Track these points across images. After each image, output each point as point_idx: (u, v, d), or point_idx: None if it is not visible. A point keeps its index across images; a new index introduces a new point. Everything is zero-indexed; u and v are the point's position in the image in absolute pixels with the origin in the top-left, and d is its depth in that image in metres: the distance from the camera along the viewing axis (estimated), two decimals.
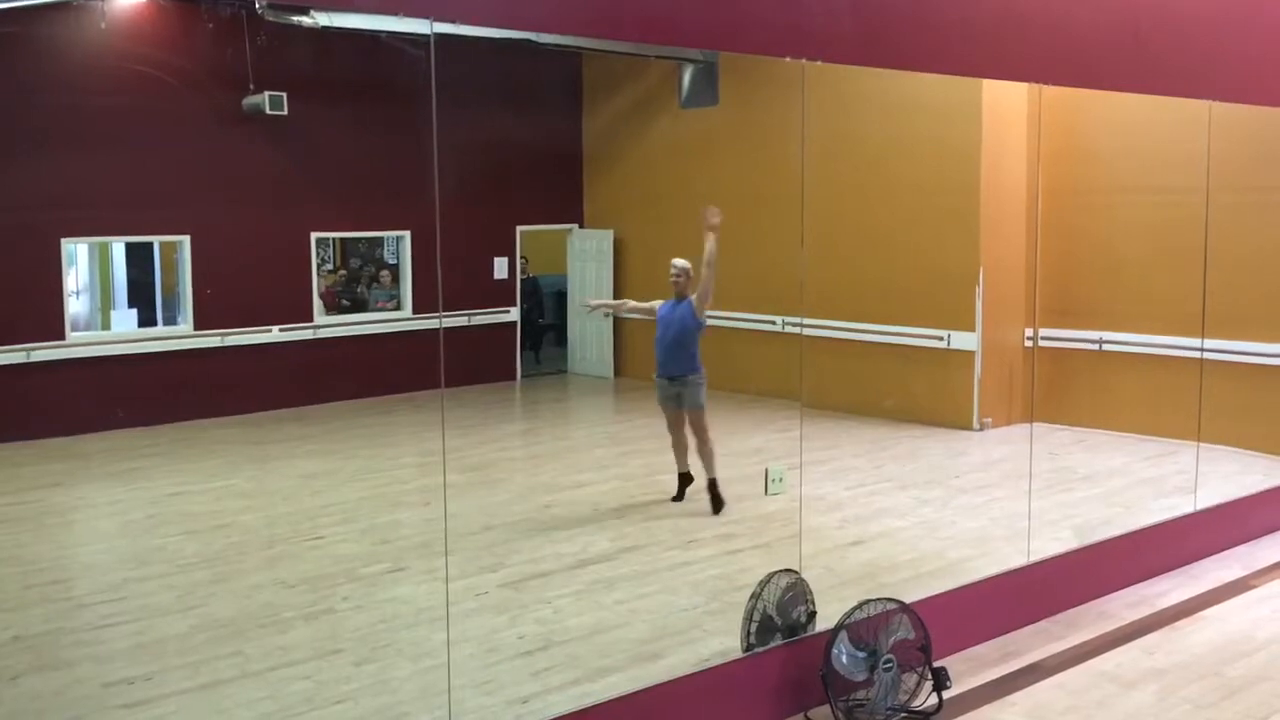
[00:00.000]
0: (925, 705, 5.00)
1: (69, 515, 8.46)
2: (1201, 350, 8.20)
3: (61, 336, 10.58)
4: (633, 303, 8.68)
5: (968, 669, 5.42)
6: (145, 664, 5.41)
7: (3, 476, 9.06)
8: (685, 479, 8.00)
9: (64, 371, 10.49)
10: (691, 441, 7.84)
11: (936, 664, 5.08)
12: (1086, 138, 10.27)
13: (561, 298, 14.75)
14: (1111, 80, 6.90)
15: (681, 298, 7.74)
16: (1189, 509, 7.31)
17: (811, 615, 5.16)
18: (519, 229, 13.53)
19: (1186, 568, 6.97)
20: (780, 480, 5.87)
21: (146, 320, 12.80)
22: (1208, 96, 7.33)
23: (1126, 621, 6.14)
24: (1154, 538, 6.92)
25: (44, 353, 10.41)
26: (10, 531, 7.71)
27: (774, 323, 11.59)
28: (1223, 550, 7.28)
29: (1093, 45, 6.55)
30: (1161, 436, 9.59)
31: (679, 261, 7.82)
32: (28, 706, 5.03)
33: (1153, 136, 9.78)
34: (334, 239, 13.79)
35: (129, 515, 8.25)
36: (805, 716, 4.95)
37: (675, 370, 7.75)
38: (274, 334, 11.70)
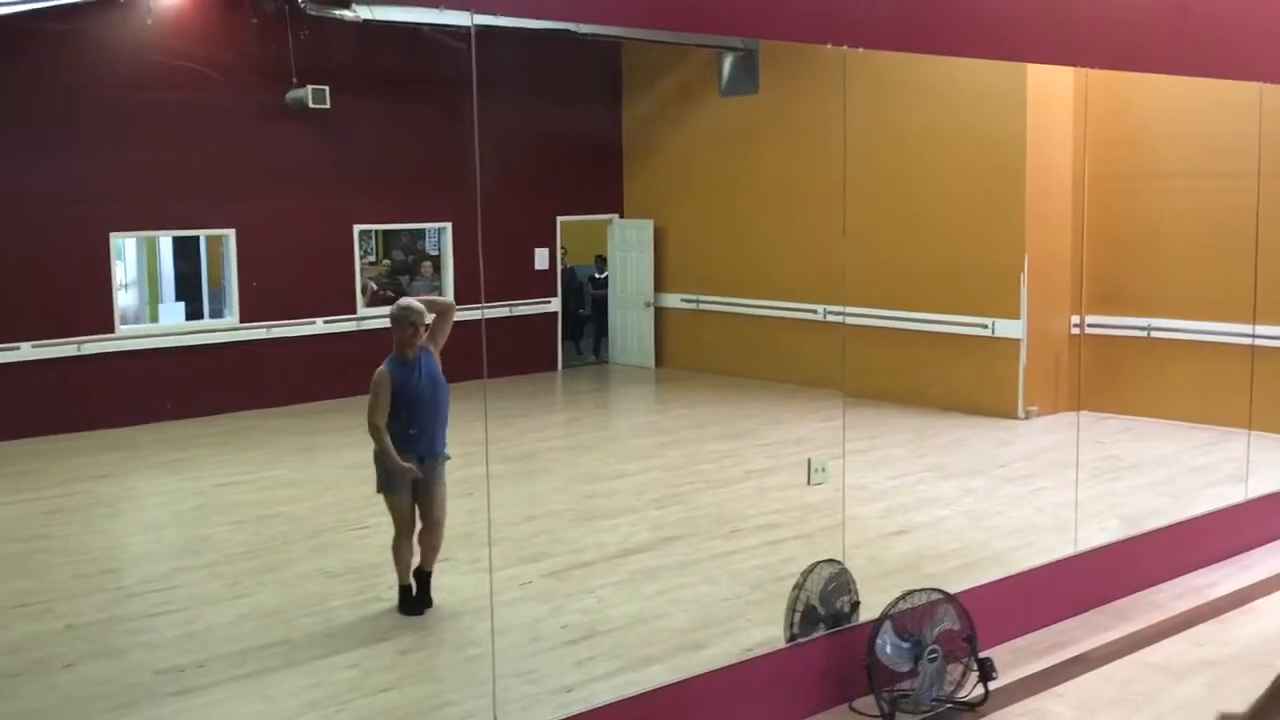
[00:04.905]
0: (971, 696, 4.96)
1: (119, 506, 8.60)
2: (1253, 336, 8.07)
3: (111, 330, 10.75)
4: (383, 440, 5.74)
5: (1014, 660, 5.37)
6: (194, 652, 5.49)
7: (55, 468, 9.22)
8: (422, 582, 6.04)
9: (114, 364, 10.66)
10: (418, 527, 5.94)
11: (982, 654, 5.04)
12: (1134, 122, 10.12)
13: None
14: (1159, 63, 6.79)
15: (407, 357, 5.75)
16: (1240, 498, 7.20)
17: (855, 605, 5.13)
18: (559, 219, 13.56)
19: (1237, 558, 6.86)
20: (823, 470, 5.83)
21: (194, 313, 13.01)
22: (1259, 79, 7.19)
23: (1176, 612, 6.06)
24: (1204, 527, 6.82)
25: (94, 346, 10.59)
26: (62, 522, 7.84)
27: (816, 311, 11.54)
28: (1274, 540, 7.15)
29: (1139, 27, 6.44)
30: (1211, 424, 9.46)
31: (413, 304, 5.85)
32: (82, 693, 5.12)
33: (1202, 120, 9.63)
34: (376, 231, 13.91)
35: (178, 506, 8.37)
36: (850, 707, 4.93)
37: (430, 448, 5.82)
38: (318, 326, 11.82)
